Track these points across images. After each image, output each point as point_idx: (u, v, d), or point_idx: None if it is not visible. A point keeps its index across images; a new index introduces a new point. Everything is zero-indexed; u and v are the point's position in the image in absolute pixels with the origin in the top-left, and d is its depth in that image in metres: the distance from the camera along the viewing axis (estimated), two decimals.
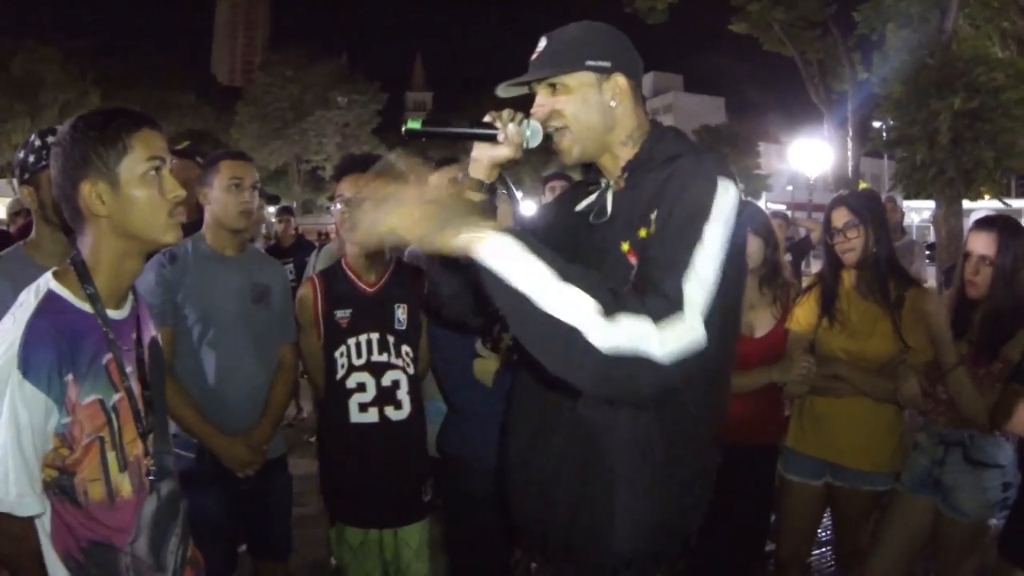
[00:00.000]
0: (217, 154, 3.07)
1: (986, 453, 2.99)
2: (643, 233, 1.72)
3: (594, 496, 1.81)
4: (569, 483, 1.84)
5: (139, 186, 1.74)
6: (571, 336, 1.39)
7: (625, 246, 1.77)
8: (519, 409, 2.02)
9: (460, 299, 2.01)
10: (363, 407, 2.98)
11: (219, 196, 2.94)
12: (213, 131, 48.74)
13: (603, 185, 1.94)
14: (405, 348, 3.04)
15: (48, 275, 1.76)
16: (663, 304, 1.47)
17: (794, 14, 22.80)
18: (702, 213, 1.62)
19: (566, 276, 1.41)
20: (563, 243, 1.91)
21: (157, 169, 1.77)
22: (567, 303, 1.39)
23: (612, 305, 1.41)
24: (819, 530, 3.73)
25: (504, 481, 2.04)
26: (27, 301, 1.69)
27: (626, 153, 1.88)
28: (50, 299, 1.70)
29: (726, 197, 1.65)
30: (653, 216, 1.71)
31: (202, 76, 57.25)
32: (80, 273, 1.75)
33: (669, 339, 1.43)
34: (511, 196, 2.92)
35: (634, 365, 1.41)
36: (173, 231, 1.81)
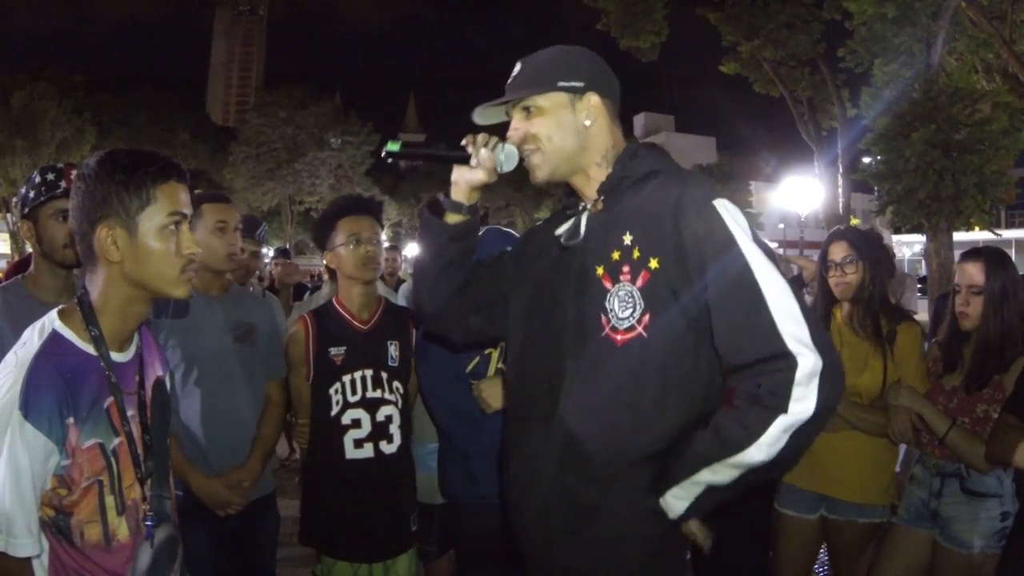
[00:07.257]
0: (198, 196, 3.03)
1: (983, 483, 2.97)
2: (616, 256, 1.75)
3: (582, 513, 1.79)
4: (558, 507, 1.81)
5: (156, 239, 1.72)
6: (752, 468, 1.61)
7: (600, 270, 1.78)
8: (515, 438, 1.98)
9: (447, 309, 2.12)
10: (358, 443, 2.97)
11: (205, 239, 2.90)
12: (207, 171, 48.81)
13: (580, 208, 1.94)
14: (396, 384, 3.07)
15: (53, 314, 1.74)
16: (776, 386, 1.58)
17: (784, 52, 23.08)
18: (732, 245, 1.66)
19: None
20: (543, 268, 1.94)
21: (177, 223, 1.74)
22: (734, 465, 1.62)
23: (753, 431, 1.58)
24: (816, 565, 3.69)
25: (508, 514, 2.01)
26: (31, 340, 1.67)
27: (600, 174, 1.88)
28: (54, 340, 1.68)
29: (735, 214, 1.71)
30: (626, 238, 1.74)
31: (197, 115, 57.22)
32: (85, 314, 1.72)
33: (799, 405, 1.56)
34: None
35: (798, 436, 1.58)
36: (184, 286, 1.78)
